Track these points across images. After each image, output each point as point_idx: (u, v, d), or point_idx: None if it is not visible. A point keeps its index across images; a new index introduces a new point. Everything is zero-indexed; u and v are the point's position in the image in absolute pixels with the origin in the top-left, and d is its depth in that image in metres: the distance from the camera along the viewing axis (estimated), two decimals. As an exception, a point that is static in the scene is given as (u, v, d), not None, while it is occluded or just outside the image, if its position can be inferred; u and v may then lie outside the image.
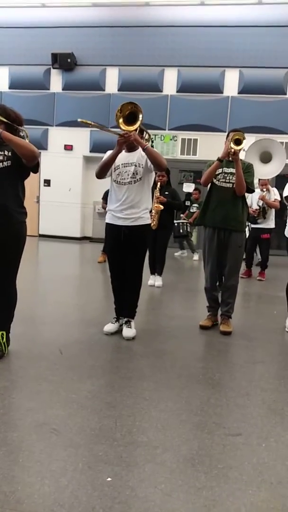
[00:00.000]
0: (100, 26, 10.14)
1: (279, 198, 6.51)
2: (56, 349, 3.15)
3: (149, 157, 3.22)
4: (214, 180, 3.83)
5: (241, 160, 3.74)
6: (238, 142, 3.61)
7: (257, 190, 6.15)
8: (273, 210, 6.65)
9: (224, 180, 3.79)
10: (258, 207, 6.55)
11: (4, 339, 2.92)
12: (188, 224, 8.36)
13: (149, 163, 3.28)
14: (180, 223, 8.16)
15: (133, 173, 3.33)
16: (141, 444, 2.00)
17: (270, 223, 6.70)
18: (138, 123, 3.05)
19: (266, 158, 6.70)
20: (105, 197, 6.84)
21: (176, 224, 7.71)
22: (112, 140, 3.30)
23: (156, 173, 5.54)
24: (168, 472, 1.81)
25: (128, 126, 3.07)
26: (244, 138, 3.65)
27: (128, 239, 3.37)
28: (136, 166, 3.33)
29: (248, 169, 3.79)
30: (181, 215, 8.90)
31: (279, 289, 5.38)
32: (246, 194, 3.91)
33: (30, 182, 10.69)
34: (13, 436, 2.01)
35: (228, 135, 3.79)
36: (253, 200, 6.43)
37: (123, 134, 3.10)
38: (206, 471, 1.83)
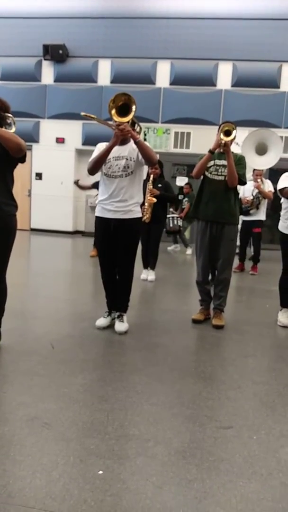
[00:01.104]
0: (93, 17, 10.05)
1: (272, 190, 6.52)
2: (47, 343, 3.15)
3: (140, 150, 3.20)
4: (206, 173, 3.83)
5: (233, 152, 3.74)
6: (228, 133, 3.61)
7: (250, 182, 6.17)
8: (266, 201, 6.67)
9: (216, 172, 3.79)
10: (252, 197, 6.56)
11: (-5, 334, 2.92)
12: (178, 218, 8.35)
13: (140, 156, 3.26)
14: (170, 218, 8.13)
15: (124, 167, 3.30)
16: (133, 437, 2.01)
17: (262, 215, 6.72)
18: (131, 115, 3.03)
19: (262, 149, 6.70)
20: (95, 185, 6.74)
21: (166, 219, 7.69)
22: (105, 133, 3.28)
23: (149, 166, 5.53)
24: (159, 465, 1.82)
25: (121, 118, 3.04)
26: (234, 129, 3.64)
27: (118, 232, 3.36)
28: (127, 159, 3.31)
29: (240, 161, 3.79)
30: (170, 209, 8.86)
31: (271, 283, 5.41)
32: (238, 187, 3.91)
33: (22, 175, 10.58)
34: (4, 430, 2.01)
35: (219, 128, 3.78)
36: (245, 189, 6.44)
37: (120, 127, 3.07)
38: (197, 464, 1.84)
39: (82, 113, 3.19)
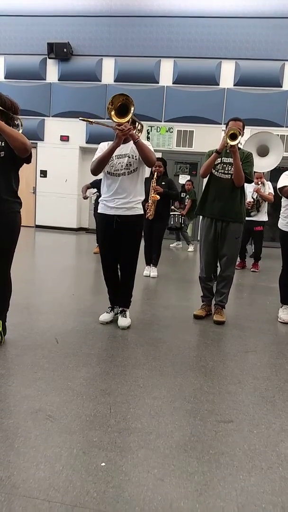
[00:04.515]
0: (97, 16, 10.06)
1: (273, 192, 6.54)
2: (52, 337, 3.19)
3: (139, 150, 3.22)
4: (213, 171, 3.81)
5: (240, 149, 3.72)
6: (233, 136, 3.57)
7: (251, 185, 6.18)
8: (266, 203, 6.68)
9: (223, 171, 3.78)
10: (252, 200, 6.58)
11: (1, 328, 2.95)
12: (180, 216, 8.37)
13: None
14: (172, 215, 8.16)
15: (127, 164, 3.32)
16: (135, 430, 2.04)
17: (263, 216, 6.75)
18: (130, 115, 3.05)
19: (263, 151, 6.73)
20: (93, 183, 6.86)
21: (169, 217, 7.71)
22: (109, 131, 3.31)
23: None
24: (161, 458, 1.84)
25: (120, 118, 3.06)
26: (240, 133, 3.60)
27: (120, 228, 3.38)
28: (129, 157, 3.33)
29: (247, 159, 3.77)
30: (172, 206, 8.88)
31: (272, 280, 5.43)
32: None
33: (26, 173, 10.62)
34: (9, 422, 2.04)
35: (227, 124, 3.76)
36: (247, 192, 6.45)
37: (121, 128, 3.10)
38: (198, 457, 1.86)
39: (80, 118, 3.24)
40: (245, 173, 3.70)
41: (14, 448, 1.84)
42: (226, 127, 3.76)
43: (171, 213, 8.12)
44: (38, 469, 1.72)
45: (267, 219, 6.82)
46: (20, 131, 2.80)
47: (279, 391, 2.57)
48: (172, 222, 8.16)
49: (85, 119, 3.18)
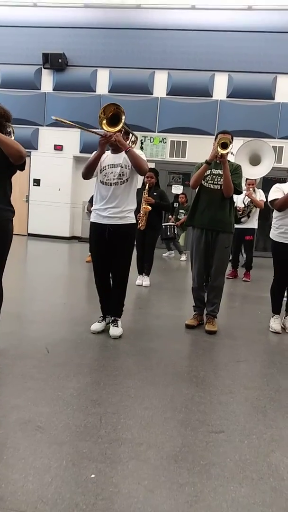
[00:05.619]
0: (92, 27, 10.16)
1: (264, 199, 6.59)
2: (43, 347, 3.16)
3: (130, 160, 3.26)
4: (203, 182, 3.85)
5: (229, 161, 3.77)
6: (224, 145, 3.63)
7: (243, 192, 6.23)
8: (257, 210, 6.73)
9: (212, 182, 3.82)
10: (243, 205, 6.62)
11: (-10, 337, 2.93)
12: (175, 226, 8.44)
13: None
14: (168, 226, 8.24)
15: (120, 174, 3.35)
16: (125, 441, 2.02)
17: (254, 223, 6.78)
18: (121, 124, 3.09)
19: (255, 160, 6.81)
20: (92, 200, 6.88)
21: (163, 227, 7.77)
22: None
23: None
24: (151, 469, 1.82)
25: (111, 128, 3.10)
26: (230, 142, 3.67)
27: (113, 238, 3.39)
28: (122, 167, 3.35)
29: (236, 171, 3.82)
30: (169, 216, 8.99)
31: (263, 290, 5.45)
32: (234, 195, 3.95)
33: (20, 181, 10.59)
34: (-3, 433, 2.01)
35: (216, 137, 3.82)
36: (238, 198, 6.50)
37: (103, 134, 3.14)
38: (189, 468, 1.85)
39: (53, 117, 3.27)
40: (234, 184, 3.74)
41: (3, 459, 1.82)
42: (215, 140, 3.80)
43: (167, 224, 8.20)
44: (26, 481, 1.70)
45: (257, 227, 6.86)
46: (12, 138, 2.81)
47: (270, 401, 2.57)
48: (168, 233, 8.23)
49: (59, 118, 3.21)
